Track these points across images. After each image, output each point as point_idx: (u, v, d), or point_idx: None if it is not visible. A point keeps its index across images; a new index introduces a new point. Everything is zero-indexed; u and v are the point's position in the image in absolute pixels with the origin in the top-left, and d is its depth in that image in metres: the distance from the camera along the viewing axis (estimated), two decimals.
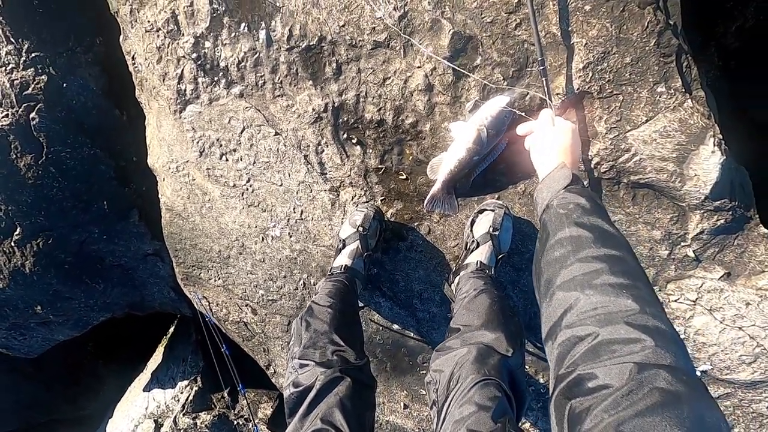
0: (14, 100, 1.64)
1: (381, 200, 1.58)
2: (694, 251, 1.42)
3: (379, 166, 1.53)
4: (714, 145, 1.27)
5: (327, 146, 1.54)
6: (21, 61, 1.59)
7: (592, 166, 1.38)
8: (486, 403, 0.90)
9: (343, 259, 1.48)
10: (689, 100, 1.28)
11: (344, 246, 1.50)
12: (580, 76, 1.30)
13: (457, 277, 1.46)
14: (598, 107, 1.33)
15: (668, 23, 1.25)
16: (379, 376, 1.84)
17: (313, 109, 1.49)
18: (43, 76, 1.60)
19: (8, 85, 1.62)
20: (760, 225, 1.38)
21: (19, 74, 1.60)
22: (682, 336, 1.49)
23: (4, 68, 1.61)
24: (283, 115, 1.53)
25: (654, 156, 1.33)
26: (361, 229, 1.45)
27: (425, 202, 1.46)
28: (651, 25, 1.24)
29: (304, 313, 1.28)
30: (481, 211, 1.49)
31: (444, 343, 1.20)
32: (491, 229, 1.42)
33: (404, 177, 1.53)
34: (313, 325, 1.23)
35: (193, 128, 1.61)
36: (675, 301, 1.48)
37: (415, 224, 1.59)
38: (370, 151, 1.52)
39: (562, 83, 1.32)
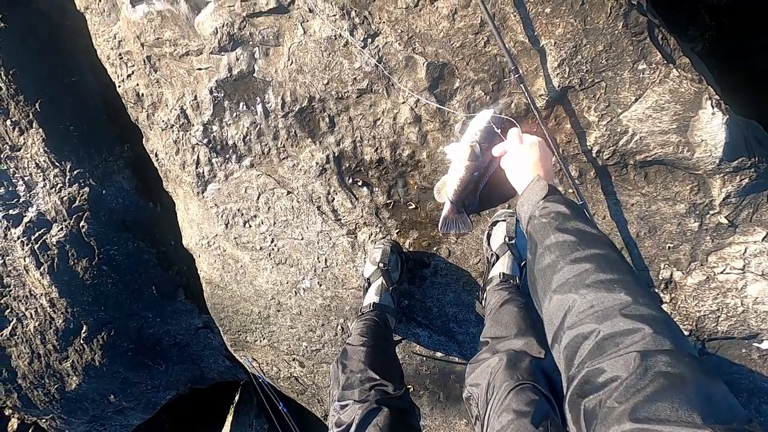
0: (65, 214, 1.74)
1: (396, 233, 1.52)
2: (726, 217, 1.26)
3: (388, 201, 1.49)
4: (712, 107, 1.16)
5: (336, 194, 1.52)
6: (66, 180, 1.70)
7: (594, 155, 1.28)
8: (524, 408, 0.81)
9: (371, 297, 1.41)
10: (674, 70, 1.18)
11: (369, 284, 1.43)
12: (557, 74, 1.24)
13: (485, 293, 1.35)
14: (583, 98, 1.25)
15: (631, 3, 1.18)
16: (435, 408, 1.69)
17: (317, 163, 1.49)
18: (85, 188, 1.70)
19: (59, 203, 1.72)
20: None
21: (67, 191, 1.71)
22: (740, 309, 1.30)
23: (54, 189, 1.72)
24: (292, 175, 1.54)
25: (654, 131, 1.22)
26: (381, 265, 1.39)
27: (439, 225, 1.39)
28: (614, 9, 1.18)
29: (339, 357, 1.20)
30: (495, 223, 1.40)
31: (476, 356, 1.09)
32: (507, 239, 1.32)
33: (413, 206, 1.48)
34: (348, 366, 1.15)
35: (216, 204, 1.64)
36: (722, 273, 1.30)
37: (435, 249, 1.51)
38: (377, 189, 1.49)
39: (543, 84, 1.26)
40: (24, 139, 1.64)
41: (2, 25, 1.64)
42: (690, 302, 1.34)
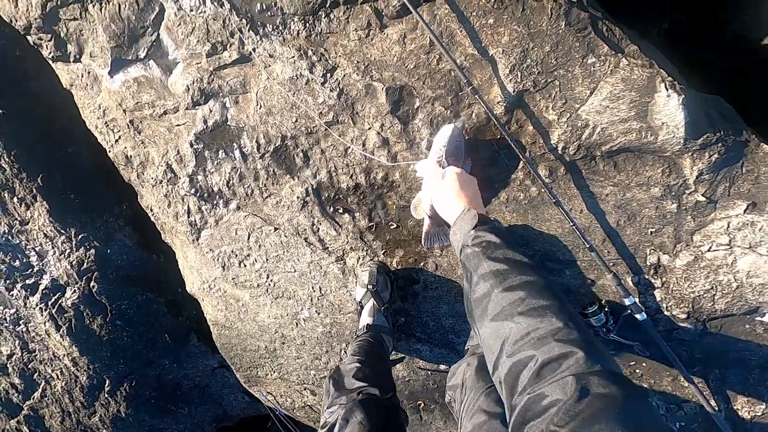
0: (76, 277, 1.83)
1: (383, 253, 1.54)
2: (703, 194, 1.24)
3: (370, 224, 1.52)
4: (666, 89, 1.15)
5: (320, 224, 1.56)
6: (73, 245, 1.79)
7: (560, 152, 1.29)
8: (494, 409, 0.82)
9: (365, 320, 1.43)
10: (623, 59, 1.19)
11: (362, 307, 1.45)
12: (510, 80, 1.26)
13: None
14: (540, 99, 1.26)
15: (571, 1, 1.20)
16: (448, 421, 1.68)
17: (298, 197, 1.54)
18: (91, 251, 1.79)
19: (69, 267, 1.82)
20: (762, 144, 1.19)
21: (75, 255, 1.80)
22: (734, 285, 1.26)
23: (63, 255, 1.82)
24: (276, 211, 1.58)
25: (614, 121, 1.22)
26: (370, 286, 1.41)
27: (422, 241, 1.41)
28: (554, 11, 1.20)
29: (332, 373, 1.22)
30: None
31: (456, 363, 1.10)
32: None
33: (395, 226, 1.50)
34: (340, 381, 1.16)
35: (211, 249, 1.70)
36: (709, 251, 1.27)
37: (422, 264, 1.52)
38: (357, 214, 1.52)
39: (498, 92, 1.28)
40: (31, 212, 1.75)
41: (3, 111, 1.77)
42: (682, 284, 1.31)
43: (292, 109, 1.44)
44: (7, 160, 1.74)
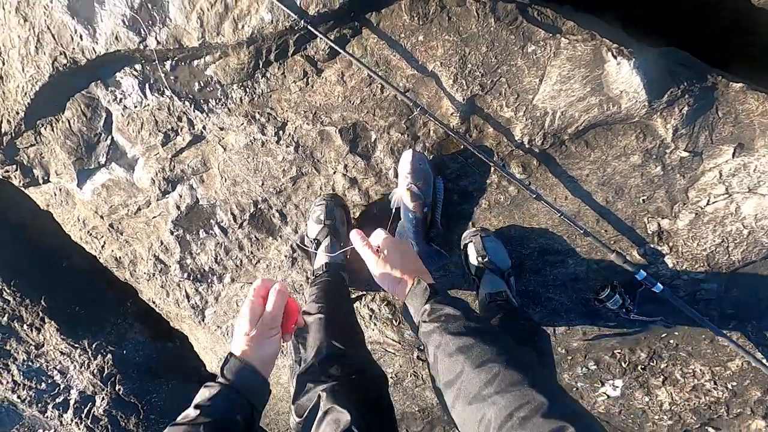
0: (101, 384, 1.83)
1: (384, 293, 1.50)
2: (685, 149, 1.16)
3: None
4: (614, 57, 1.09)
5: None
6: (90, 355, 1.80)
7: (528, 145, 1.23)
8: None
9: (322, 258, 1.30)
10: (563, 38, 1.13)
11: (319, 244, 1.32)
12: (456, 89, 1.21)
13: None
14: (492, 100, 1.22)
15: None
16: None
17: (285, 256, 1.51)
18: (108, 356, 1.80)
19: (92, 377, 1.82)
20: (731, 82, 1.12)
21: (94, 364, 1.81)
22: (745, 232, 1.18)
23: (83, 366, 1.83)
24: (269, 274, 1.56)
25: (572, 102, 1.16)
26: (327, 222, 1.30)
27: None
28: (479, 11, 1.15)
29: (297, 330, 1.03)
30: (465, 246, 1.36)
31: None
32: (479, 259, 1.27)
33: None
34: (308, 341, 1.02)
35: (218, 326, 1.68)
36: (708, 204, 1.19)
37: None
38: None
39: (448, 103, 1.24)
40: (43, 335, 1.76)
41: None
42: (691, 244, 1.23)
43: (256, 173, 1.42)
44: (9, 291, 1.76)
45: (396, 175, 1.32)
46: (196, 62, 1.34)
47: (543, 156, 1.24)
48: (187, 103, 1.38)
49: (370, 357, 1.08)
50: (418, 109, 1.19)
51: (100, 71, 1.39)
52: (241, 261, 1.55)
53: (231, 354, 0.76)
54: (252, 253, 1.54)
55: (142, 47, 1.31)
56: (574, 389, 1.52)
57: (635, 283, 1.24)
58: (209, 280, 1.61)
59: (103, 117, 1.46)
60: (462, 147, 1.27)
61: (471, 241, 1.30)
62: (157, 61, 1.34)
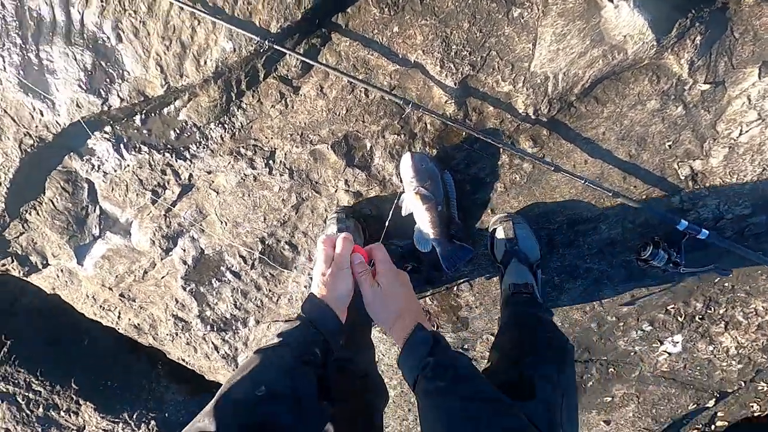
0: None
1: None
2: (705, 81, 1.06)
3: None
4: (610, 0, 0.98)
5: None
6: (133, 426, 1.75)
7: (534, 117, 1.13)
8: None
9: None
10: None
11: None
12: (446, 75, 1.11)
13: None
14: (486, 77, 1.11)
15: None
16: None
17: (305, 286, 1.43)
18: (152, 422, 1.74)
19: None
20: None
21: None
22: None
23: None
24: (292, 307, 1.48)
25: (572, 60, 1.06)
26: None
27: (445, 267, 1.28)
28: None
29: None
30: (493, 231, 1.27)
31: None
32: (507, 245, 1.17)
33: (410, 267, 1.37)
34: None
35: None
36: (741, 135, 1.09)
37: (455, 290, 1.39)
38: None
39: (440, 91, 1.14)
40: (81, 417, 1.71)
41: (11, 340, 1.74)
42: (730, 180, 1.13)
43: (256, 209, 1.34)
44: (37, 382, 1.71)
45: (401, 181, 1.23)
46: (166, 110, 1.25)
47: (552, 124, 1.15)
48: (167, 154, 1.29)
49: (375, 369, 1.04)
50: (409, 105, 1.09)
51: (71, 142, 1.30)
52: (262, 301, 1.48)
53: (311, 293, 0.80)
54: (270, 290, 1.46)
55: (106, 108, 1.22)
56: (632, 354, 1.44)
57: (678, 235, 1.15)
58: (234, 327, 1.54)
59: (85, 189, 1.38)
60: (464, 134, 1.17)
61: (501, 226, 1.20)
62: (125, 119, 1.25)
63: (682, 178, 1.15)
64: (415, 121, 1.19)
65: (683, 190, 1.16)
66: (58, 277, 1.57)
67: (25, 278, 1.58)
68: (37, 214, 1.41)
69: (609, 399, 1.52)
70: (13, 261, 1.52)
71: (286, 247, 1.38)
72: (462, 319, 1.42)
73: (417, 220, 1.23)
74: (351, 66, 1.15)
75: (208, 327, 1.53)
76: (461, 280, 1.36)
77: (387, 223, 1.12)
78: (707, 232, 1.11)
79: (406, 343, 0.74)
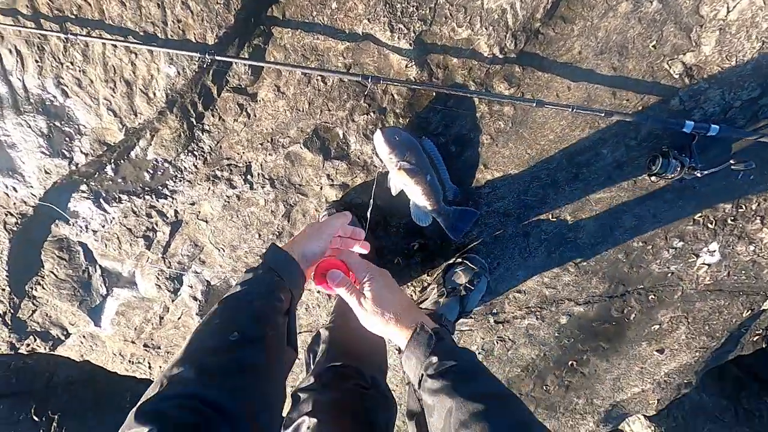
0: None
1: (434, 277, 1.36)
2: None
3: (398, 263, 1.34)
4: None
5: None
6: None
7: (502, 56, 1.05)
8: None
9: None
10: None
11: None
12: (398, 37, 1.04)
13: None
14: (440, 28, 1.03)
15: None
16: None
17: (318, 292, 1.39)
18: None
19: None
20: None
21: None
22: None
23: None
24: (311, 316, 1.45)
25: None
26: None
27: (452, 238, 1.22)
28: None
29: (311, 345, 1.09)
30: (461, 262, 1.26)
31: None
32: (466, 284, 1.20)
33: (416, 246, 1.31)
34: (317, 357, 1.01)
35: (291, 386, 1.59)
36: (729, 12, 0.98)
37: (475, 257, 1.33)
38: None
39: (397, 57, 1.07)
40: None
41: (58, 414, 1.76)
42: (729, 63, 1.03)
43: (248, 228, 1.30)
44: None
45: (382, 161, 1.17)
46: (133, 153, 1.22)
47: (523, 58, 1.06)
48: (147, 197, 1.26)
49: (382, 379, 1.00)
50: (369, 80, 1.02)
51: (53, 211, 1.28)
52: None
53: (272, 244, 0.79)
54: None
55: (74, 167, 1.19)
56: (670, 275, 1.35)
57: (686, 138, 1.06)
58: None
59: (80, 252, 1.36)
60: (434, 94, 1.10)
61: (472, 269, 1.22)
62: (97, 173, 1.22)
63: (676, 76, 1.05)
64: (381, 94, 1.12)
65: (680, 90, 1.07)
66: (82, 343, 1.57)
67: (52, 353, 1.59)
68: (43, 288, 1.40)
69: (656, 327, 1.44)
70: (35, 339, 1.53)
71: None
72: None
73: (410, 196, 1.17)
74: (300, 57, 1.09)
75: None
76: (473, 244, 1.30)
77: (369, 215, 1.07)
78: (717, 127, 1.02)
79: (407, 344, 0.72)
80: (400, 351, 0.74)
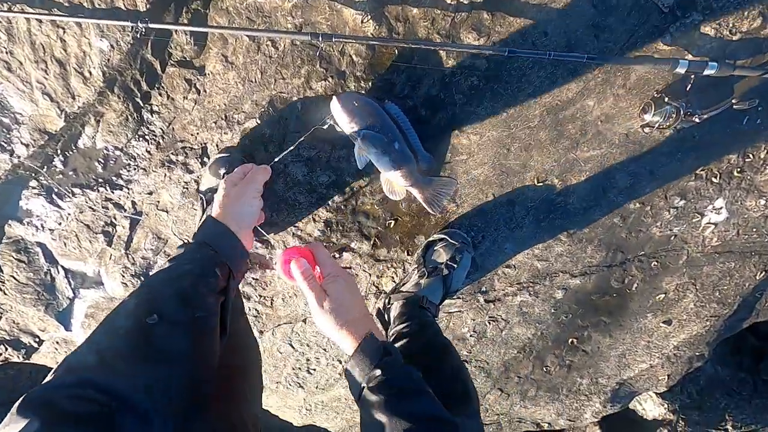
0: None
1: (407, 251, 1.26)
2: None
3: (373, 241, 1.24)
4: None
5: None
6: None
7: (467, 1, 0.93)
8: None
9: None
10: None
11: (210, 203, 1.01)
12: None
13: (395, 302, 1.11)
14: None
15: None
16: None
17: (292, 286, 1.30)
18: None
19: None
20: None
21: None
22: None
23: None
24: (289, 307, 1.35)
25: None
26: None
27: (429, 209, 1.12)
28: None
29: None
30: (441, 239, 1.16)
31: None
32: (447, 262, 1.11)
33: (393, 222, 1.21)
34: None
35: (278, 382, 1.50)
36: None
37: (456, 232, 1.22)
38: (354, 244, 1.24)
39: (350, 12, 0.96)
40: None
41: None
42: None
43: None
44: None
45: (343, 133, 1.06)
46: (80, 142, 1.13)
47: (491, 2, 0.95)
48: (101, 189, 1.17)
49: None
50: (320, 39, 0.91)
51: (3, 210, 1.20)
52: (257, 310, 1.36)
53: (207, 216, 0.75)
54: (260, 295, 1.33)
55: (16, 161, 1.11)
56: (672, 238, 1.23)
57: (682, 80, 0.94)
58: None
59: (39, 253, 1.28)
60: (396, 51, 0.99)
61: (453, 245, 1.13)
62: (44, 167, 1.13)
63: (666, 10, 0.93)
64: (337, 56, 1.01)
65: (670, 24, 0.94)
66: (56, 350, 1.49)
67: (27, 361, 1.52)
68: (5, 294, 1.33)
69: (662, 296, 1.33)
70: (7, 348, 1.46)
71: (258, 245, 1.25)
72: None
73: (379, 168, 1.06)
74: (246, 20, 0.99)
75: None
76: (453, 218, 1.19)
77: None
78: (715, 63, 0.90)
79: (355, 352, 0.69)
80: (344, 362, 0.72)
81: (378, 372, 0.65)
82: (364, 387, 0.66)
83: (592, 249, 1.23)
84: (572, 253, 1.23)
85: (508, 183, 1.14)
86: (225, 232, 0.72)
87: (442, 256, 1.14)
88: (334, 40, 0.92)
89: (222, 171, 1.03)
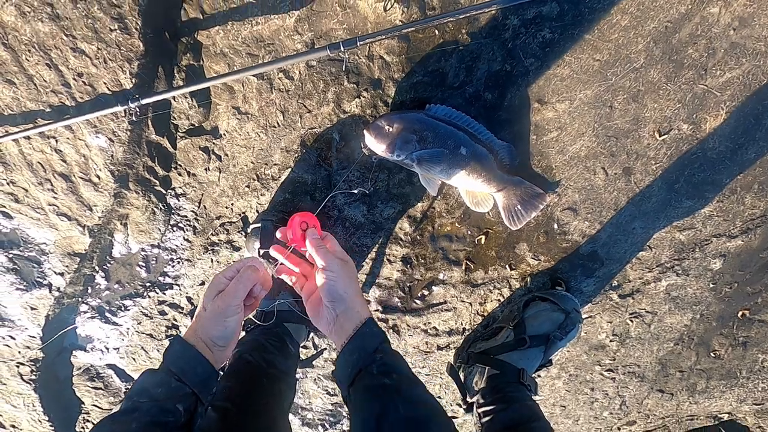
0: None
1: (511, 269, 1.01)
2: None
3: (467, 266, 1.01)
4: None
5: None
6: None
7: None
8: None
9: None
10: None
11: None
12: None
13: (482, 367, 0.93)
14: None
15: None
16: None
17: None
18: None
19: None
20: None
21: None
22: None
23: None
24: None
25: None
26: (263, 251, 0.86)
27: (508, 224, 0.88)
28: None
29: None
30: (545, 301, 0.93)
31: None
32: (557, 332, 0.90)
33: (484, 237, 0.97)
34: None
35: None
36: None
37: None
38: (444, 275, 1.02)
39: (368, 4, 0.73)
40: None
41: None
42: None
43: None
44: None
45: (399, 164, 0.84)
46: (114, 253, 0.99)
47: None
48: (151, 293, 1.04)
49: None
50: (343, 48, 0.70)
51: (64, 343, 1.10)
52: None
53: (176, 336, 0.67)
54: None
55: (57, 293, 0.99)
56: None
57: None
58: None
59: (112, 374, 1.18)
60: (436, 32, 0.75)
61: (562, 311, 0.91)
62: (88, 288, 1.01)
63: None
64: (365, 61, 0.80)
65: None
66: None
67: None
68: (93, 423, 1.24)
69: None
70: None
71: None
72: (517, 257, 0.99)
73: (457, 186, 0.84)
74: (247, 57, 0.80)
75: None
76: (555, 210, 0.93)
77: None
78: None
79: (355, 333, 0.67)
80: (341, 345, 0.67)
81: (378, 356, 0.65)
82: (362, 369, 0.64)
83: (753, 197, 0.92)
84: (725, 209, 0.93)
85: (621, 148, 0.87)
86: (195, 356, 0.62)
87: (546, 324, 0.90)
88: (358, 43, 0.70)
89: (257, 245, 0.87)
